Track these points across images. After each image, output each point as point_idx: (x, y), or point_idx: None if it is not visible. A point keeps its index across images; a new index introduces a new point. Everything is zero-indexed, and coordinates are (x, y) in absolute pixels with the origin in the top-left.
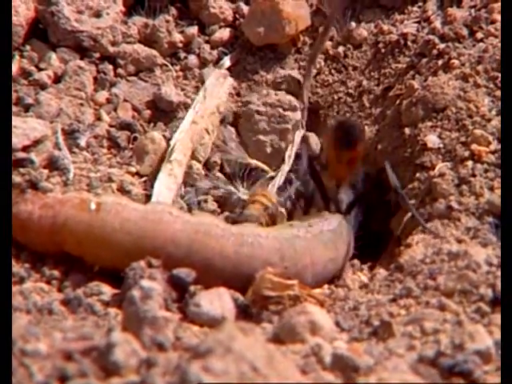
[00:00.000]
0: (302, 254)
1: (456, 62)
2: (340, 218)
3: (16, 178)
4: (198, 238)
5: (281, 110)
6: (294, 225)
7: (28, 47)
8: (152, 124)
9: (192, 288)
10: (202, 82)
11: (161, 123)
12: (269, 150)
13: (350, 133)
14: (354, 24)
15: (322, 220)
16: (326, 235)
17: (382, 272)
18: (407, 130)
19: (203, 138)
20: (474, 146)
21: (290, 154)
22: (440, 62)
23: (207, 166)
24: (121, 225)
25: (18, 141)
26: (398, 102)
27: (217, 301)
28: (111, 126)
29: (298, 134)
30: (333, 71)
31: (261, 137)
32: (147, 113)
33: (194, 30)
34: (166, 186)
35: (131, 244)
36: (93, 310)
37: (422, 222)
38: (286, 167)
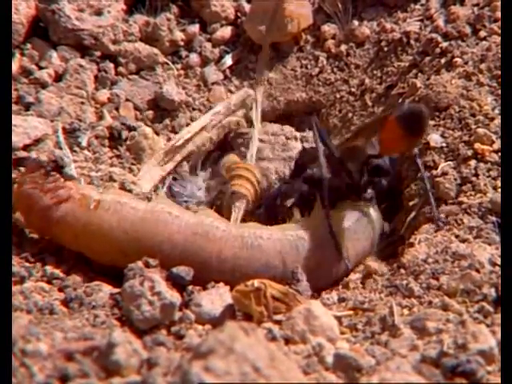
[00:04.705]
0: (305, 256)
1: (459, 60)
2: (350, 221)
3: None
4: (195, 241)
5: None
6: (300, 225)
7: (28, 45)
8: (153, 123)
9: (190, 288)
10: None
11: (162, 122)
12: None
13: (421, 121)
14: (356, 22)
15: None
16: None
17: (384, 271)
18: None
19: (205, 145)
20: (477, 145)
21: (256, 117)
22: (443, 61)
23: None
24: (118, 223)
25: (18, 140)
26: (400, 100)
27: (218, 300)
28: (112, 124)
29: (260, 90)
30: (335, 70)
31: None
32: (149, 112)
33: (195, 28)
34: (152, 172)
35: (127, 243)
36: (94, 310)
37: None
38: (255, 132)
